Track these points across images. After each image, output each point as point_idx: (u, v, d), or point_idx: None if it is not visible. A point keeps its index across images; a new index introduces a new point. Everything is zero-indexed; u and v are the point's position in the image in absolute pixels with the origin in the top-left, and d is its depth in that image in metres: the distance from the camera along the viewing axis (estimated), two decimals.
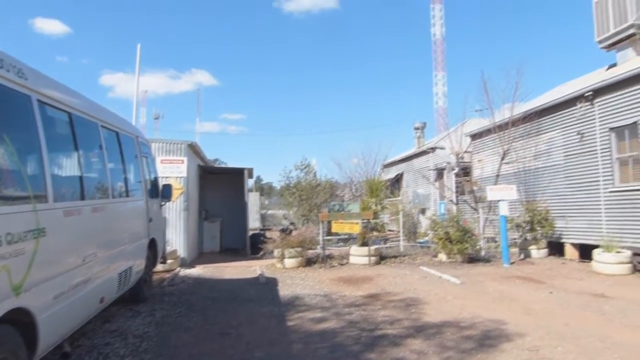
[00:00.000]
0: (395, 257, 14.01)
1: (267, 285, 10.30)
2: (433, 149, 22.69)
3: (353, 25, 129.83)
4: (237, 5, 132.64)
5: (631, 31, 12.86)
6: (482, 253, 14.04)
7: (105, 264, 5.86)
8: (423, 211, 21.69)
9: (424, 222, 18.80)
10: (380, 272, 11.67)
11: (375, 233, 15.63)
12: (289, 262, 12.70)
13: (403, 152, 28.65)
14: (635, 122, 11.19)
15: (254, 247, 15.33)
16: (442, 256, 13.37)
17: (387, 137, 68.57)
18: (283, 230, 18.01)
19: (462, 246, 12.83)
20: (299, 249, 12.88)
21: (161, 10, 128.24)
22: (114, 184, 6.50)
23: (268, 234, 18.11)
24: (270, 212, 37.01)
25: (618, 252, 10.97)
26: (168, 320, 7.17)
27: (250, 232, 18.13)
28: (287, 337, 6.31)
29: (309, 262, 13.04)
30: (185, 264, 13.00)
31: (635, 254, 10.93)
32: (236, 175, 17.06)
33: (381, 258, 13.56)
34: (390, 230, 19.02)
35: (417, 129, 27.90)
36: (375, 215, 16.24)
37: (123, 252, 6.65)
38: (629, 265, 10.88)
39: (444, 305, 8.03)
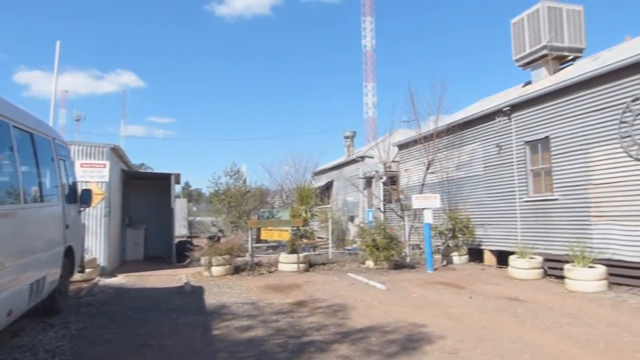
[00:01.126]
0: (324, 264, 14.12)
1: (193, 294, 10.02)
2: (362, 158, 23.18)
3: (286, 32, 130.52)
4: (166, 7, 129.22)
5: (544, 52, 13.82)
6: (408, 260, 14.46)
7: (15, 274, 5.44)
8: (352, 219, 22.06)
9: (353, 230, 19.14)
10: (309, 279, 11.70)
11: (304, 240, 15.69)
12: (217, 270, 12.44)
13: (333, 160, 29.06)
14: (547, 137, 12.00)
15: (180, 255, 14.89)
16: (370, 263, 13.63)
17: (318, 145, 69.32)
18: (211, 238, 17.64)
19: (388, 253, 13.14)
20: (227, 257, 12.65)
21: (84, 7, 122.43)
22: (27, 188, 6.06)
23: (196, 241, 17.67)
24: (198, 219, 36.19)
25: (531, 258, 11.69)
26: (84, 332, 6.77)
27: (177, 240, 17.61)
28: (212, 346, 6.15)
29: (237, 270, 12.84)
30: (105, 273, 12.38)
31: (546, 260, 11.68)
32: (163, 181, 16.53)
33: (310, 265, 13.61)
34: (319, 238, 19.16)
35: (347, 137, 28.38)
36: (305, 222, 16.31)
37: (36, 261, 6.21)
38: (541, 270, 11.62)
39: (370, 310, 8.17)
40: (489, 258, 14.21)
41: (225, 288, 10.71)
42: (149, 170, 32.83)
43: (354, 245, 16.13)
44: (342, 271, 13.09)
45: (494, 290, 10.13)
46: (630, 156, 9.75)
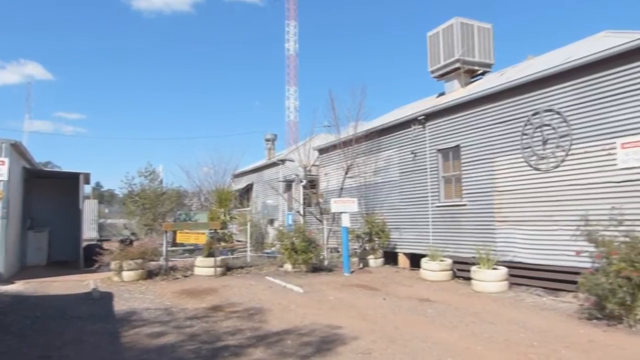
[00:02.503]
0: (242, 267, 13.94)
1: (101, 300, 9.49)
2: (283, 161, 23.20)
3: (207, 32, 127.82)
4: None
5: (457, 65, 14.58)
6: (326, 263, 14.65)
7: None
8: (271, 222, 21.99)
9: (272, 233, 19.08)
10: (226, 283, 11.50)
11: (222, 244, 15.43)
12: (128, 275, 11.88)
13: (254, 163, 28.82)
14: (458, 145, 12.68)
15: (89, 259, 14.01)
16: (288, 266, 13.65)
17: (239, 147, 68.30)
18: (123, 241, 16.80)
19: (306, 256, 13.24)
20: (140, 261, 12.12)
21: None
22: None
23: (106, 245, 16.81)
24: (110, 221, 34.41)
25: (441, 260, 12.27)
26: None
27: (85, 243, 16.60)
28: (121, 355, 5.85)
29: (151, 275, 12.35)
30: (2, 279, 11.40)
31: (455, 262, 12.31)
32: (70, 181, 15.53)
33: (227, 269, 13.39)
34: (238, 241, 18.91)
35: (268, 140, 28.29)
36: (224, 225, 16.04)
37: None
38: (450, 272, 12.23)
39: (287, 314, 8.17)
40: (403, 261, 14.74)
41: (137, 294, 10.26)
42: (56, 169, 30.74)
43: (273, 249, 16.10)
44: (260, 275, 13.00)
45: (407, 292, 10.51)
46: (530, 166, 10.54)
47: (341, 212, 13.91)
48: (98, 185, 56.81)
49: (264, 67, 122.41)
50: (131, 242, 15.54)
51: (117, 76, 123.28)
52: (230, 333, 6.81)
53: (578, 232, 8.47)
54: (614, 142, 8.91)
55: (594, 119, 9.29)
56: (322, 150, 19.24)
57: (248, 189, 27.52)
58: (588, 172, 9.36)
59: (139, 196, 19.35)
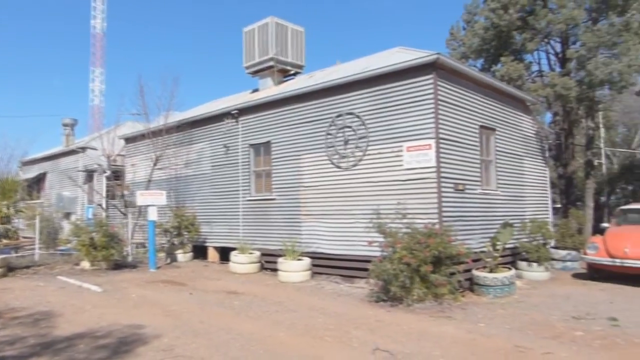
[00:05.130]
0: (28, 267, 12.33)
1: None
2: (84, 149, 21.11)
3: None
4: None
5: (271, 63, 15.00)
6: (130, 259, 13.81)
7: None
8: (68, 216, 19.88)
9: (68, 228, 17.24)
10: (7, 286, 10.05)
11: (4, 241, 13.46)
12: None
13: (49, 150, 25.64)
14: (269, 141, 13.06)
15: None
16: (85, 264, 12.52)
17: (29, 131, 59.97)
18: None
19: (107, 252, 12.29)
20: None
21: None
22: None
23: None
24: None
25: (250, 253, 12.53)
26: None
27: None
28: None
29: None
30: None
31: (264, 255, 12.68)
32: None
33: (10, 269, 11.70)
34: (26, 237, 16.66)
35: (66, 125, 25.36)
36: (7, 220, 14.03)
37: None
38: (258, 264, 12.57)
39: (81, 316, 7.49)
40: (213, 255, 14.66)
41: None
42: None
43: (69, 245, 14.54)
44: (51, 274, 11.67)
45: (215, 286, 10.49)
46: (333, 163, 11.39)
47: (148, 205, 13.23)
48: None
49: (68, 43, 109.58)
50: None
51: None
52: (8, 343, 5.98)
53: (370, 225, 9.46)
54: (401, 146, 10.14)
55: (386, 123, 10.44)
56: (129, 140, 18.04)
57: (40, 179, 24.42)
58: (380, 171, 10.49)
59: None
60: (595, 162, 22.33)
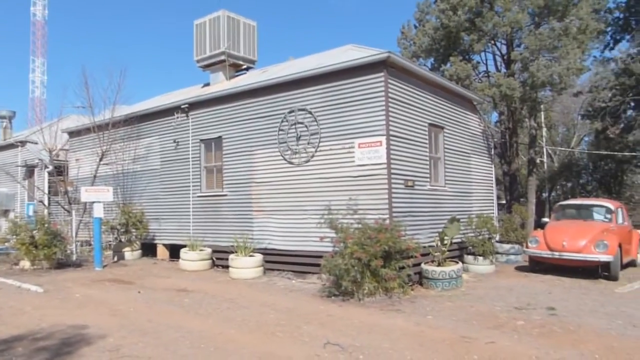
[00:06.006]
0: None
1: None
2: (23, 143, 20.08)
3: None
4: None
5: (222, 57, 14.77)
6: (74, 257, 13.30)
7: None
8: (6, 213, 18.94)
9: (6, 226, 16.41)
10: None
11: None
12: None
13: None
14: (220, 137, 12.88)
15: None
16: (26, 263, 11.97)
17: None
18: None
19: (49, 251, 11.79)
20: None
21: None
22: None
23: None
24: None
25: (201, 250, 12.34)
26: None
27: None
28: None
29: None
30: None
31: (215, 251, 12.51)
32: None
33: None
34: None
35: (3, 117, 24.03)
36: None
37: None
38: (209, 261, 12.40)
39: (20, 317, 7.14)
40: (162, 252, 14.33)
41: None
42: None
43: (7, 245, 13.83)
44: None
45: (164, 283, 10.27)
46: (285, 159, 11.36)
47: (94, 202, 12.76)
48: None
49: (4, 32, 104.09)
50: None
51: None
52: None
53: (322, 220, 9.52)
54: (353, 142, 10.24)
55: (338, 120, 10.51)
56: (74, 134, 17.34)
57: None
58: (332, 167, 10.55)
59: None
60: (538, 160, 23.34)
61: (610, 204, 12.49)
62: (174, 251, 13.73)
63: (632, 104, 20.67)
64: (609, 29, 21.02)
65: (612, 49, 21.73)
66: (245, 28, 15.34)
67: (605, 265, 10.43)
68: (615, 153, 21.64)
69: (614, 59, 21.11)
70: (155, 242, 14.49)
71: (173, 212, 14.07)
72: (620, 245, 10.83)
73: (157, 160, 14.66)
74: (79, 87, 19.67)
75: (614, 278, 10.35)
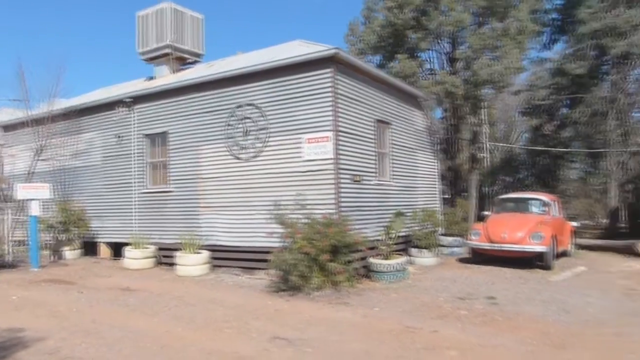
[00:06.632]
0: None
1: None
2: None
3: None
4: None
5: (167, 50, 14.40)
6: (9, 258, 12.63)
7: None
8: None
9: None
10: None
11: None
12: None
13: None
14: (165, 131, 12.59)
15: None
16: None
17: None
18: None
19: None
20: None
21: None
22: None
23: None
24: None
25: (145, 248, 12.04)
26: None
27: None
28: None
29: None
30: None
31: (160, 249, 12.23)
32: None
33: None
34: None
35: None
36: None
37: None
38: (154, 259, 12.12)
39: None
40: (105, 251, 13.87)
41: None
42: None
43: None
44: None
45: (107, 283, 9.96)
46: (233, 155, 11.25)
47: (30, 199, 12.16)
48: None
49: None
50: None
51: None
52: None
53: (270, 216, 9.51)
54: (301, 138, 10.28)
55: (287, 115, 10.51)
56: (8, 128, 16.45)
57: None
58: (281, 162, 10.55)
59: None
60: (479, 156, 24.19)
61: (545, 197, 13.16)
62: (117, 250, 13.32)
63: (566, 102, 21.76)
64: (546, 29, 22.04)
65: (549, 49, 22.78)
66: (192, 21, 15.03)
67: (541, 256, 10.99)
68: (551, 149, 22.75)
69: (550, 59, 22.16)
70: (97, 240, 14.00)
71: (116, 209, 13.63)
72: (554, 237, 11.44)
73: (99, 156, 14.15)
74: (14, 79, 18.61)
75: (549, 267, 10.92)
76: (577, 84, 20.35)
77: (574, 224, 14.31)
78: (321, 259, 8.30)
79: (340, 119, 10.10)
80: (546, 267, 10.93)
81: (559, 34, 22.26)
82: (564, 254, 12.91)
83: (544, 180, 25.53)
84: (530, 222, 11.61)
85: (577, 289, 8.82)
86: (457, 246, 13.45)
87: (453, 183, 21.21)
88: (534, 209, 12.79)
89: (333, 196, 9.82)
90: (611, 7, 17.97)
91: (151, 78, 15.23)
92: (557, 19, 22.07)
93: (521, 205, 13.14)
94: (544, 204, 12.79)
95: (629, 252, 13.77)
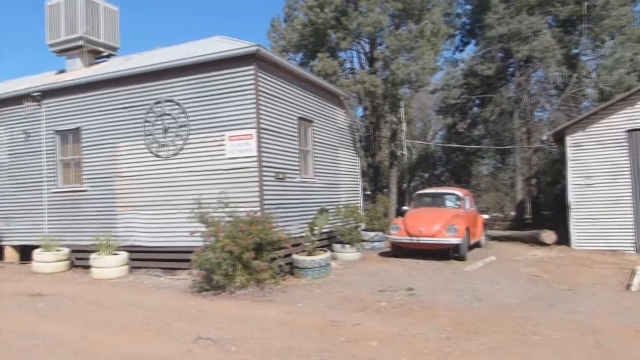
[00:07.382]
0: None
1: None
2: None
3: None
4: None
5: (80, 43, 13.63)
6: None
7: None
8: None
9: None
10: None
11: None
12: None
13: None
14: (78, 128, 11.95)
15: None
16: None
17: None
18: None
19: None
20: None
21: None
22: None
23: None
24: None
25: (58, 250, 11.39)
26: None
27: None
28: None
29: None
30: None
31: (74, 252, 11.62)
32: None
33: None
34: None
35: None
36: None
37: None
38: (68, 262, 11.50)
39: None
40: (11, 255, 12.94)
41: None
42: None
43: None
44: None
45: (15, 288, 9.33)
46: (152, 153, 10.91)
47: None
48: None
49: None
50: None
51: None
52: None
53: (193, 215, 9.34)
54: (224, 135, 10.17)
55: (208, 112, 10.35)
56: None
57: None
58: (203, 160, 10.38)
59: None
60: (399, 153, 25.09)
61: (459, 192, 13.93)
62: (26, 253, 12.48)
63: (478, 101, 23.12)
64: (458, 32, 23.29)
65: (461, 51, 24.09)
66: (106, 13, 14.33)
67: (456, 248, 11.63)
68: (464, 146, 24.07)
69: (463, 60, 23.43)
70: (3, 244, 13.04)
71: (25, 210, 12.76)
72: (468, 229, 12.16)
73: (5, 154, 13.17)
74: None
75: (463, 258, 11.59)
76: (487, 85, 21.72)
77: (486, 216, 15.28)
78: (245, 257, 8.29)
79: (263, 117, 10.10)
80: (461, 259, 11.58)
81: (470, 37, 23.59)
82: (477, 245, 13.74)
83: (458, 176, 26.98)
84: (445, 216, 12.24)
85: (488, 278, 9.45)
86: (378, 241, 13.91)
87: (374, 180, 21.88)
88: (449, 204, 13.49)
89: (257, 194, 9.82)
90: (515, 14, 19.33)
91: (62, 71, 14.38)
92: (468, 23, 23.37)
93: (437, 200, 13.80)
94: (458, 198, 13.53)
95: (534, 241, 14.93)
